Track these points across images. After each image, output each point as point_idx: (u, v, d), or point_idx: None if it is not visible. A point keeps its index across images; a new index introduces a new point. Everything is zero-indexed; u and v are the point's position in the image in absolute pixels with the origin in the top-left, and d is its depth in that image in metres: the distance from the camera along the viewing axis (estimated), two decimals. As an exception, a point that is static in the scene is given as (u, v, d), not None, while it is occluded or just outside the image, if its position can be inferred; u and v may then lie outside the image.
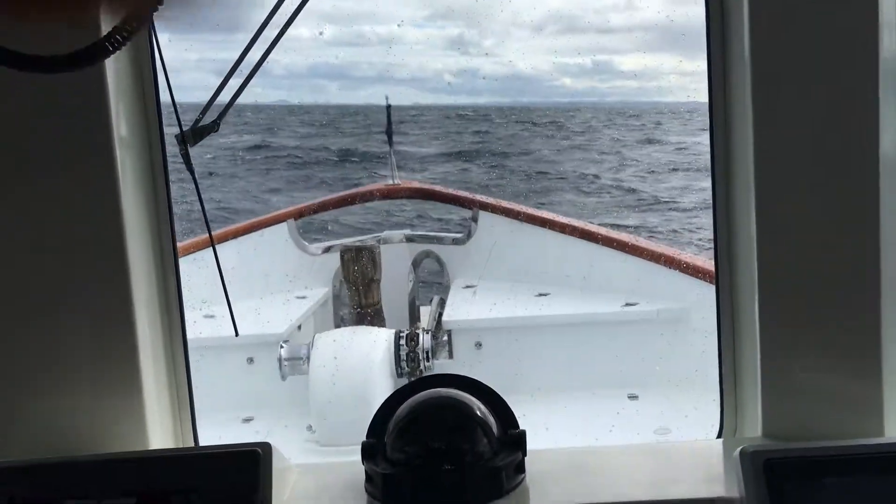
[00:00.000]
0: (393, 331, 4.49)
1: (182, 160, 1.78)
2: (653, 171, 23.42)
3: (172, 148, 1.59)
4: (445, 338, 4.85)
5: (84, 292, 1.39)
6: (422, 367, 4.35)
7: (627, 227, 14.36)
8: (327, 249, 5.87)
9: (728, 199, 1.48)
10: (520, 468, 1.36)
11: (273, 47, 1.57)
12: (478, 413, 1.37)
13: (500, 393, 1.41)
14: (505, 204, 6.01)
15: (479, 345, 4.90)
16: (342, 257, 5.28)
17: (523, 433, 1.37)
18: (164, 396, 1.52)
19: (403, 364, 4.34)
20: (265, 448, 1.30)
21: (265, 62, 1.63)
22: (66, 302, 1.39)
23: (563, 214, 6.08)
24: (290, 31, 1.52)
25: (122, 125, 1.40)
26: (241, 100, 1.72)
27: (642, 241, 5.55)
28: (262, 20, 1.56)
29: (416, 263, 5.94)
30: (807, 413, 1.39)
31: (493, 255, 5.64)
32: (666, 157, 26.26)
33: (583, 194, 19.67)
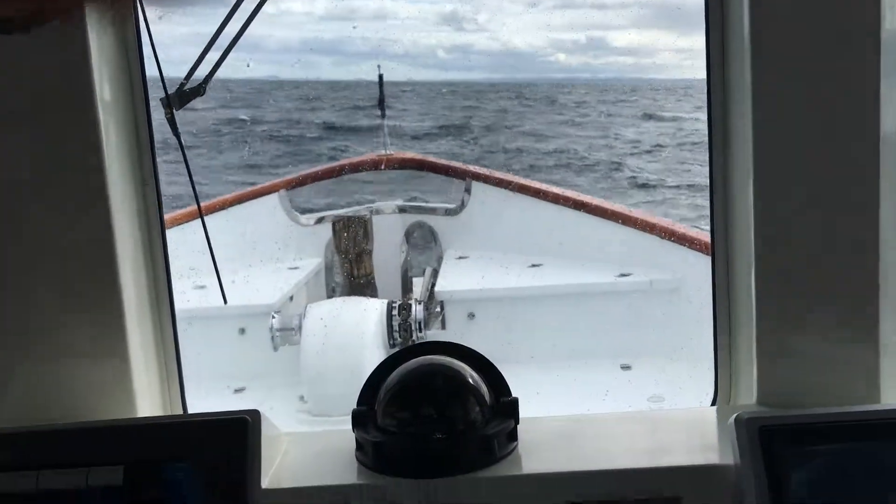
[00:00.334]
0: (385, 301, 4.49)
1: (168, 125, 1.75)
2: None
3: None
4: (438, 308, 4.85)
5: (68, 258, 1.36)
6: (414, 337, 4.35)
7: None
8: (319, 220, 5.84)
9: (725, 169, 1.46)
10: (512, 436, 1.35)
11: (254, 16, 1.53)
12: (470, 380, 1.35)
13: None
14: (498, 174, 5.98)
15: (471, 315, 4.90)
16: (334, 228, 5.27)
17: (516, 401, 1.35)
18: (151, 364, 1.50)
19: (396, 334, 4.35)
20: (254, 415, 1.28)
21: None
22: (50, 268, 1.36)
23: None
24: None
25: (105, 89, 1.36)
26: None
27: (636, 212, 5.54)
28: None
29: (408, 234, 5.93)
30: (802, 380, 1.38)
31: (486, 226, 5.63)
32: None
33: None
